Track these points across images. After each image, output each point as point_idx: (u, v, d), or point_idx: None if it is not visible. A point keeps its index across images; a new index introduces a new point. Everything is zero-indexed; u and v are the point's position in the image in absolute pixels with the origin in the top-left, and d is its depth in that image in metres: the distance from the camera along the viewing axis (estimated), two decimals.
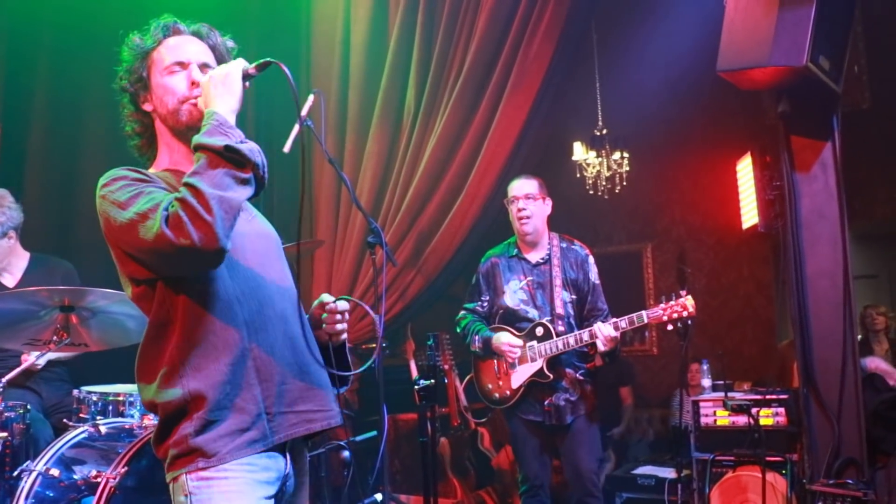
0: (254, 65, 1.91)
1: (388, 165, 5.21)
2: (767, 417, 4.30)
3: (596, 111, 7.80)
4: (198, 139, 1.77)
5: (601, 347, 3.87)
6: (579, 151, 7.52)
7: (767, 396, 4.35)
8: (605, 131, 7.61)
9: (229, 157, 1.74)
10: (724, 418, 4.44)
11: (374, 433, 4.34)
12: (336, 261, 5.26)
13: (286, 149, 1.93)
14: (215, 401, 1.77)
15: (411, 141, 5.11)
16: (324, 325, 2.08)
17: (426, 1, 5.20)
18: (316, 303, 2.13)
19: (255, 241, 1.99)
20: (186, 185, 1.70)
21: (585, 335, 3.90)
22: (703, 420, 4.51)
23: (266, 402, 1.83)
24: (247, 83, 1.92)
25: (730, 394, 4.50)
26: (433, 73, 5.10)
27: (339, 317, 2.08)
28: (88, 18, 5.48)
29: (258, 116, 5.57)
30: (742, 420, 4.36)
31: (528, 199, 4.13)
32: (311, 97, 2.58)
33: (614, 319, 3.88)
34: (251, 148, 1.78)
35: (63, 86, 5.62)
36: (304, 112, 2.67)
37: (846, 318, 3.71)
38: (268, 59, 1.92)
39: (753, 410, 4.26)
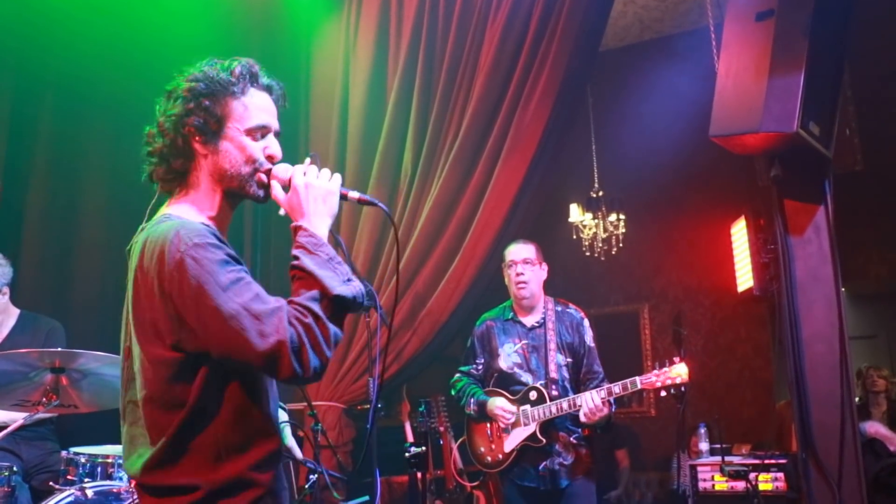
0: (353, 192, 1.94)
1: (385, 227, 5.22)
2: (766, 482, 4.25)
3: (592, 173, 7.89)
4: (309, 265, 1.74)
5: (581, 419, 3.83)
6: (575, 213, 7.58)
7: (766, 461, 4.30)
8: (601, 193, 7.69)
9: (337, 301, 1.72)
10: (722, 483, 4.38)
11: (366, 497, 4.27)
12: None
13: (282, 212, 1.94)
14: (262, 481, 1.77)
15: (408, 203, 5.14)
16: None
17: (424, 64, 5.28)
18: None
19: None
20: (312, 312, 1.67)
21: (565, 404, 3.86)
22: (702, 485, 4.45)
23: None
24: None
25: (727, 458, 4.46)
26: (430, 135, 5.15)
27: None
28: (91, 82, 5.56)
29: None
30: (741, 485, 4.29)
31: (525, 264, 4.14)
32: (307, 160, 2.60)
33: (608, 385, 3.85)
34: (357, 291, 1.76)
35: (63, 147, 5.67)
36: None
37: (843, 380, 3.67)
38: (365, 196, 1.96)
39: (752, 475, 4.20)
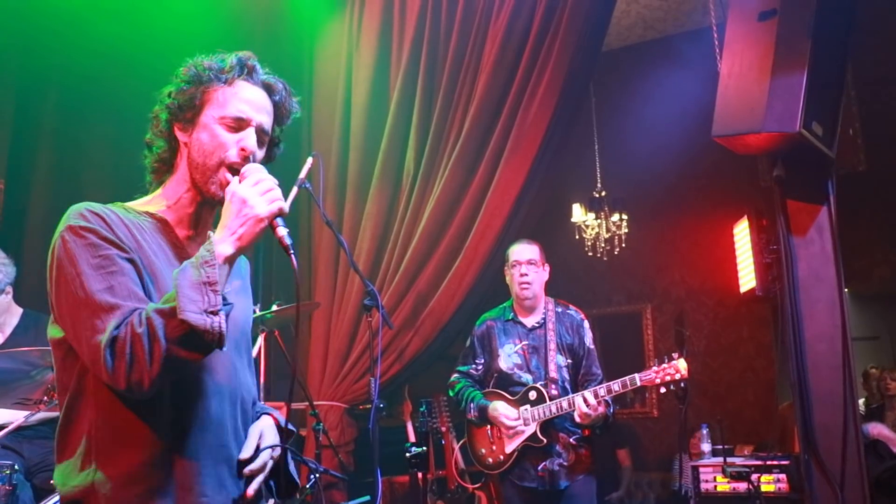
0: (282, 228, 1.69)
1: (387, 226, 5.23)
2: (769, 484, 4.23)
3: (595, 173, 7.89)
4: (180, 275, 1.57)
5: (576, 419, 3.84)
6: (578, 213, 7.57)
7: (768, 462, 4.28)
8: (603, 193, 7.69)
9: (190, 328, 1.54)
10: (724, 484, 4.37)
11: (367, 497, 4.27)
12: (334, 322, 5.24)
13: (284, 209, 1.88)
14: (120, 498, 1.61)
15: (410, 202, 5.14)
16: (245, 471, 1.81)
17: (427, 64, 5.28)
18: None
19: None
20: (150, 325, 1.53)
21: (564, 403, 3.87)
22: (704, 486, 4.43)
23: None
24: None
25: (730, 459, 4.44)
26: (433, 135, 5.15)
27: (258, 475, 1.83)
28: (94, 81, 5.57)
29: None
30: (743, 486, 4.28)
31: (529, 265, 4.14)
32: (309, 160, 2.59)
33: (607, 383, 3.85)
34: (214, 324, 1.54)
35: (66, 146, 5.68)
36: (302, 174, 2.68)
37: (846, 381, 3.66)
38: (287, 242, 1.70)
39: (754, 477, 4.19)
